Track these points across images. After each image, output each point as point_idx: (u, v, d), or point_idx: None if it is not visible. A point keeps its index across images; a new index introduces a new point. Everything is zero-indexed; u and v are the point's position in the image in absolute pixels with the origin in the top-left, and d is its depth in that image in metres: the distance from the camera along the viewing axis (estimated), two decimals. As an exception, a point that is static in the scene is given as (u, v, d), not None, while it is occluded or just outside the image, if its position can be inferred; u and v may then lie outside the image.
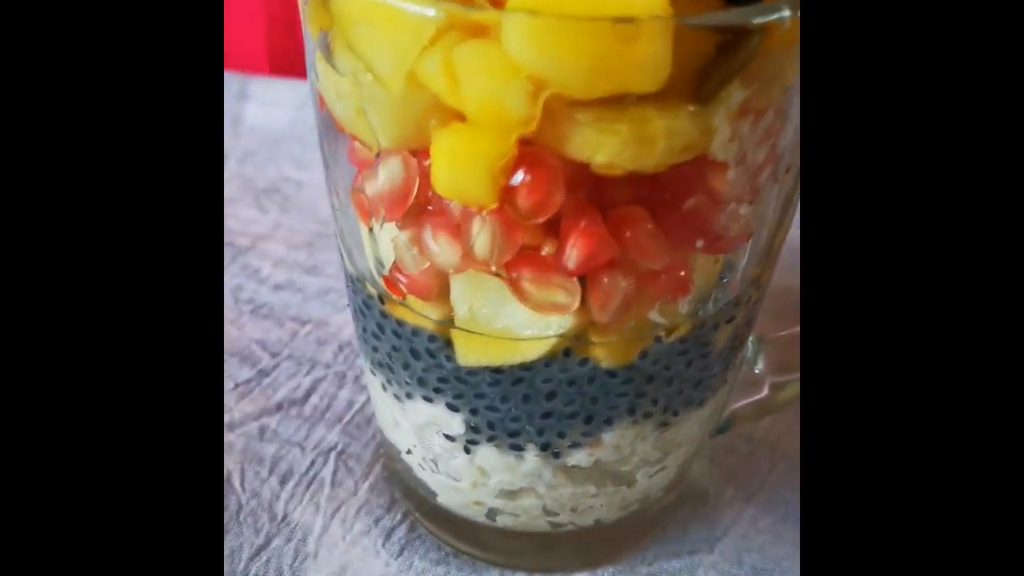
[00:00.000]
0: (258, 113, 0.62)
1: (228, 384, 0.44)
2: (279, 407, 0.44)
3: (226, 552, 0.37)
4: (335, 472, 0.41)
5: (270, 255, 0.52)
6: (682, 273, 0.29)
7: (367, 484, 0.40)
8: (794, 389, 0.38)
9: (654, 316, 0.29)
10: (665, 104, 0.25)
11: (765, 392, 0.38)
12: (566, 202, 0.27)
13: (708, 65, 0.25)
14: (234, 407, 0.43)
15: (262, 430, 0.42)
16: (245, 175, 0.58)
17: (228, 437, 0.42)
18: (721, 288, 0.31)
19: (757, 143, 0.27)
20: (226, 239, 0.53)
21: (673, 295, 0.29)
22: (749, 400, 0.38)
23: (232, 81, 0.64)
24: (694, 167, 0.26)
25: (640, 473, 0.34)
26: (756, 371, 0.38)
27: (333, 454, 0.42)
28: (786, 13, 0.24)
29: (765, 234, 0.31)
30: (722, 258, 0.30)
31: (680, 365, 0.31)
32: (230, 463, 0.41)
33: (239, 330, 0.47)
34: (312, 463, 0.41)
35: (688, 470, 0.38)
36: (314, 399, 0.44)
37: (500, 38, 0.23)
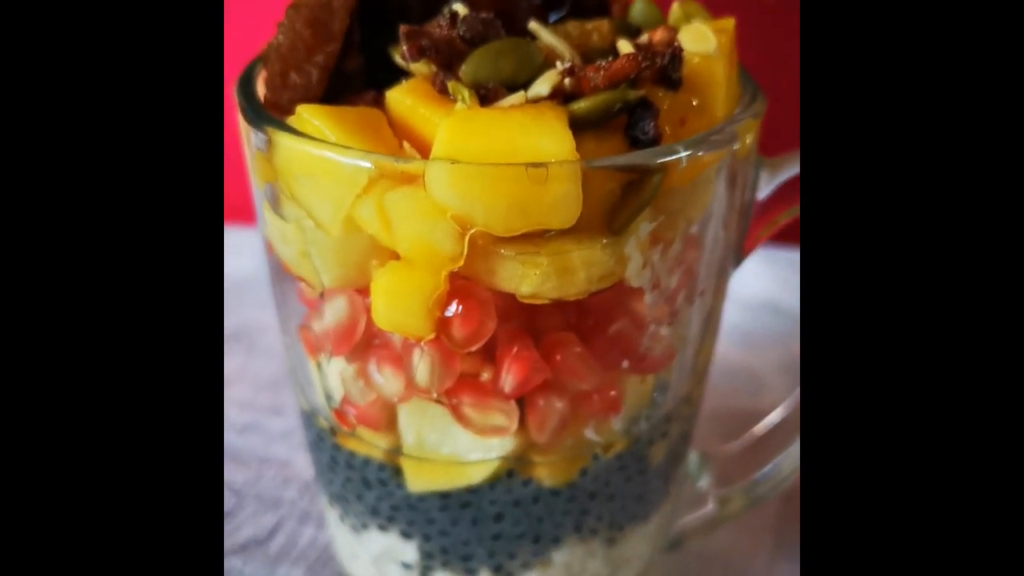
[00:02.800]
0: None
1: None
2: (244, 547, 0.44)
3: None
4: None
5: (236, 399, 0.53)
6: (612, 393, 0.31)
7: (332, 619, 0.41)
8: (740, 501, 0.40)
9: (590, 434, 0.31)
10: (581, 237, 0.27)
11: (710, 506, 0.39)
12: (500, 330, 0.29)
13: (617, 201, 0.27)
14: (199, 549, 0.44)
15: (227, 572, 0.43)
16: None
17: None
18: (654, 406, 0.33)
19: (669, 269, 0.29)
20: (193, 385, 0.54)
21: (605, 414, 0.31)
22: (697, 514, 0.40)
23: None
24: (614, 293, 0.29)
25: (592, 591, 0.35)
26: (701, 485, 0.39)
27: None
28: (682, 153, 0.27)
29: (690, 353, 0.33)
30: (651, 378, 0.32)
31: (620, 481, 0.33)
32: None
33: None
34: (281, 603, 0.42)
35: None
36: (279, 538, 0.45)
37: (425, 185, 0.26)
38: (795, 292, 0.50)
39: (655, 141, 0.27)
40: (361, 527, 0.35)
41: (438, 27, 0.28)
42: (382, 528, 0.34)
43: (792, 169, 0.33)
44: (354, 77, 0.30)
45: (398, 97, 0.28)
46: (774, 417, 0.39)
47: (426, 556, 0.34)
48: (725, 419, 0.52)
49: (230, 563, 0.44)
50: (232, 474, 0.48)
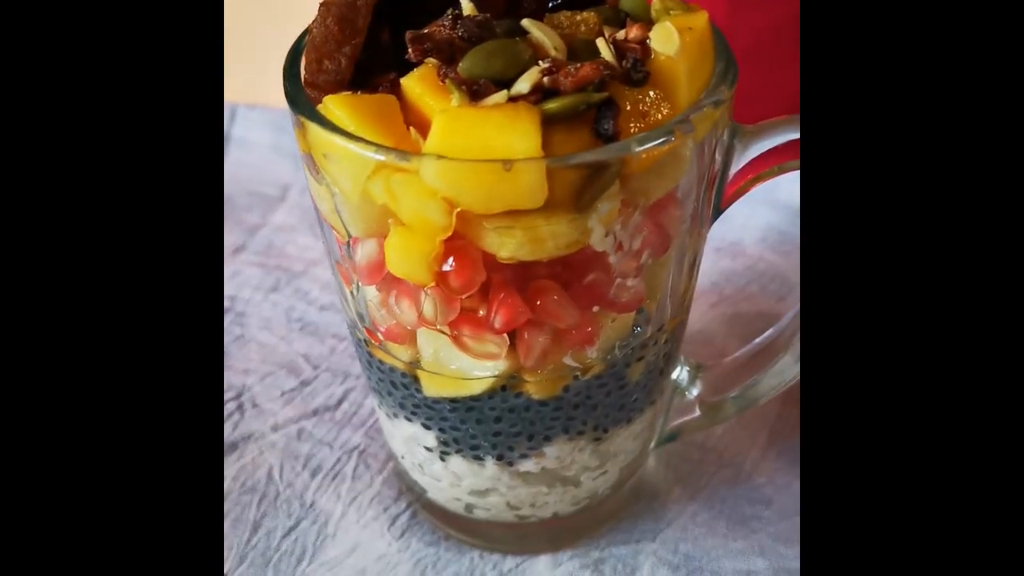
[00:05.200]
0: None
1: (276, 392, 0.54)
2: (315, 412, 0.53)
3: (263, 531, 0.47)
4: (355, 468, 0.50)
5: (319, 279, 0.62)
6: (589, 329, 0.37)
7: (381, 478, 0.50)
8: (728, 408, 0.46)
9: (568, 361, 0.38)
10: (550, 214, 0.33)
11: (698, 413, 0.45)
12: (494, 277, 0.35)
13: (582, 184, 0.33)
14: (279, 412, 0.53)
15: (300, 432, 0.52)
16: (304, 205, 0.67)
17: (272, 437, 0.52)
18: (632, 336, 0.39)
19: (631, 235, 0.35)
20: (283, 264, 0.62)
21: (581, 345, 0.37)
22: (689, 418, 0.46)
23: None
24: (584, 253, 0.34)
25: (584, 476, 0.43)
26: (689, 395, 0.45)
27: (356, 453, 0.51)
28: (635, 148, 0.32)
29: (667, 293, 0.39)
30: (629, 315, 0.38)
31: (601, 395, 0.40)
32: (272, 459, 0.51)
33: (288, 345, 0.57)
34: (338, 460, 0.51)
35: (634, 472, 0.46)
36: (344, 406, 0.54)
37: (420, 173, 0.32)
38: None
39: (614, 137, 0.32)
40: (392, 415, 0.42)
41: (441, 26, 0.34)
42: (408, 419, 0.41)
43: (771, 138, 0.37)
44: (379, 63, 0.35)
45: (409, 84, 0.34)
46: (774, 330, 0.45)
47: (442, 444, 0.41)
48: (748, 321, 0.58)
49: (302, 425, 0.53)
50: (310, 348, 0.57)
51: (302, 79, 0.36)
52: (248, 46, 0.66)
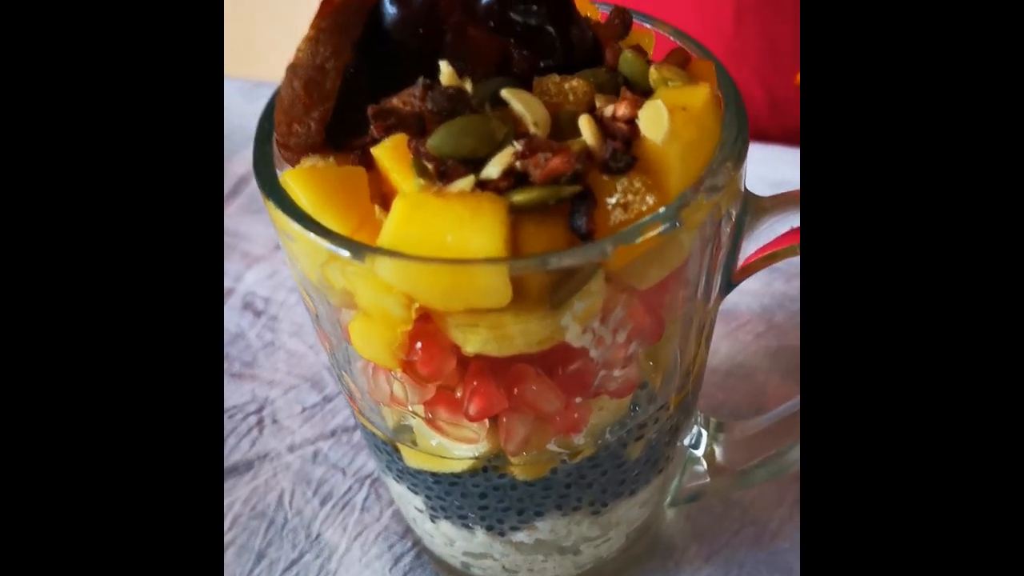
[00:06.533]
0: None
1: (297, 408, 0.53)
2: (333, 433, 0.52)
3: (266, 561, 0.46)
4: (366, 498, 0.49)
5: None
6: (575, 416, 0.34)
7: (390, 512, 0.48)
8: (758, 474, 0.42)
9: (552, 447, 0.35)
10: (519, 311, 0.30)
11: (730, 478, 0.42)
12: (469, 363, 0.33)
13: (554, 284, 0.30)
14: (297, 430, 0.52)
15: (316, 453, 0.51)
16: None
17: (288, 458, 0.51)
18: (631, 416, 0.36)
19: (613, 331, 0.31)
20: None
21: (567, 432, 0.35)
22: (707, 482, 0.43)
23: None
24: (562, 347, 0.31)
25: (584, 546, 0.40)
26: (709, 462, 0.42)
27: (368, 481, 0.50)
28: (608, 248, 0.29)
29: (669, 371, 0.36)
30: (629, 398, 0.35)
31: (596, 474, 0.37)
32: (285, 482, 0.50)
33: (316, 355, 0.56)
34: (349, 488, 0.49)
35: (645, 531, 0.44)
36: (359, 432, 0.52)
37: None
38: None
39: (588, 235, 0.29)
40: (383, 472, 0.41)
41: (412, 96, 0.31)
42: (396, 480, 0.40)
43: (786, 217, 0.34)
44: (356, 124, 0.33)
45: (379, 155, 0.31)
46: (787, 406, 0.41)
47: (431, 508, 0.39)
48: (796, 355, 0.54)
49: (318, 446, 0.51)
50: (329, 374, 0.55)
51: (275, 140, 0.33)
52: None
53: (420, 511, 0.40)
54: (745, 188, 0.33)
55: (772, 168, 0.56)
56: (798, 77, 0.59)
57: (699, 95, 0.31)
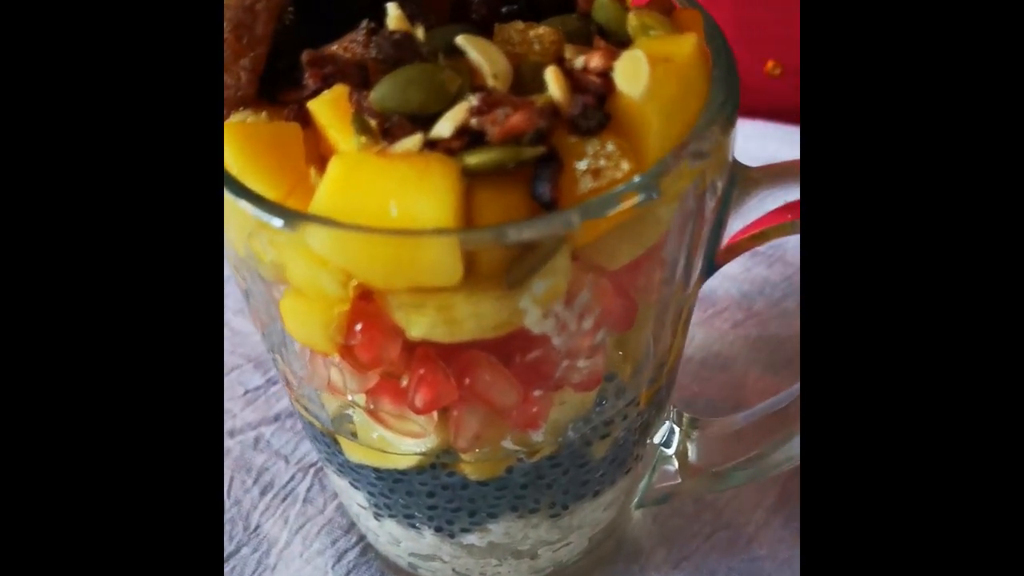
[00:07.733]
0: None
1: (239, 390, 0.49)
2: (277, 418, 0.48)
3: (199, 558, 0.43)
4: (309, 488, 0.45)
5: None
6: (534, 410, 0.31)
7: (335, 503, 0.44)
8: (734, 477, 0.39)
9: (507, 444, 0.31)
10: (472, 290, 0.26)
11: (704, 480, 0.39)
12: (416, 349, 0.29)
13: (511, 260, 0.26)
14: (238, 414, 0.48)
15: (257, 439, 0.47)
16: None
17: (228, 443, 0.47)
18: (596, 411, 0.33)
19: (578, 315, 0.28)
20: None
21: (524, 428, 0.31)
22: (679, 483, 0.39)
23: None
24: (520, 333, 0.28)
25: (542, 550, 0.37)
26: (682, 462, 0.39)
27: (312, 470, 0.46)
28: (575, 220, 0.25)
29: (639, 363, 0.32)
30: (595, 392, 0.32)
31: (556, 474, 0.33)
32: (224, 469, 0.46)
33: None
34: (292, 477, 0.45)
35: (610, 534, 0.40)
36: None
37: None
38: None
39: (551, 205, 0.25)
40: (324, 463, 0.37)
41: (354, 42, 0.27)
42: (337, 474, 0.36)
43: (778, 191, 0.30)
44: (293, 74, 0.29)
45: (316, 109, 0.27)
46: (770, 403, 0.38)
47: (375, 506, 0.36)
48: (777, 345, 0.50)
49: (260, 432, 0.48)
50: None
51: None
52: None
53: (363, 508, 0.36)
54: (733, 157, 0.30)
55: (759, 144, 0.53)
56: (770, 64, 0.57)
57: (684, 46, 0.27)
